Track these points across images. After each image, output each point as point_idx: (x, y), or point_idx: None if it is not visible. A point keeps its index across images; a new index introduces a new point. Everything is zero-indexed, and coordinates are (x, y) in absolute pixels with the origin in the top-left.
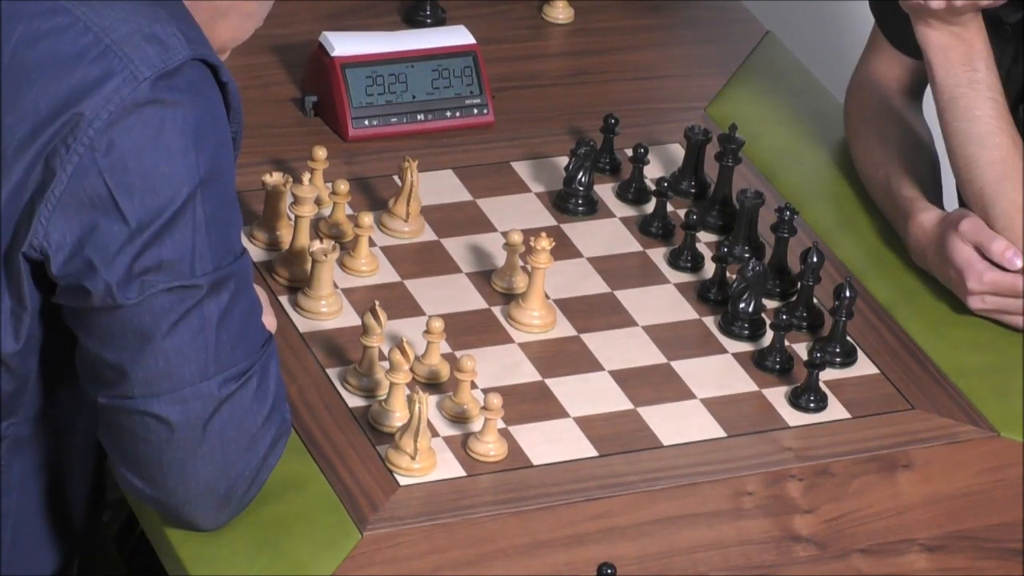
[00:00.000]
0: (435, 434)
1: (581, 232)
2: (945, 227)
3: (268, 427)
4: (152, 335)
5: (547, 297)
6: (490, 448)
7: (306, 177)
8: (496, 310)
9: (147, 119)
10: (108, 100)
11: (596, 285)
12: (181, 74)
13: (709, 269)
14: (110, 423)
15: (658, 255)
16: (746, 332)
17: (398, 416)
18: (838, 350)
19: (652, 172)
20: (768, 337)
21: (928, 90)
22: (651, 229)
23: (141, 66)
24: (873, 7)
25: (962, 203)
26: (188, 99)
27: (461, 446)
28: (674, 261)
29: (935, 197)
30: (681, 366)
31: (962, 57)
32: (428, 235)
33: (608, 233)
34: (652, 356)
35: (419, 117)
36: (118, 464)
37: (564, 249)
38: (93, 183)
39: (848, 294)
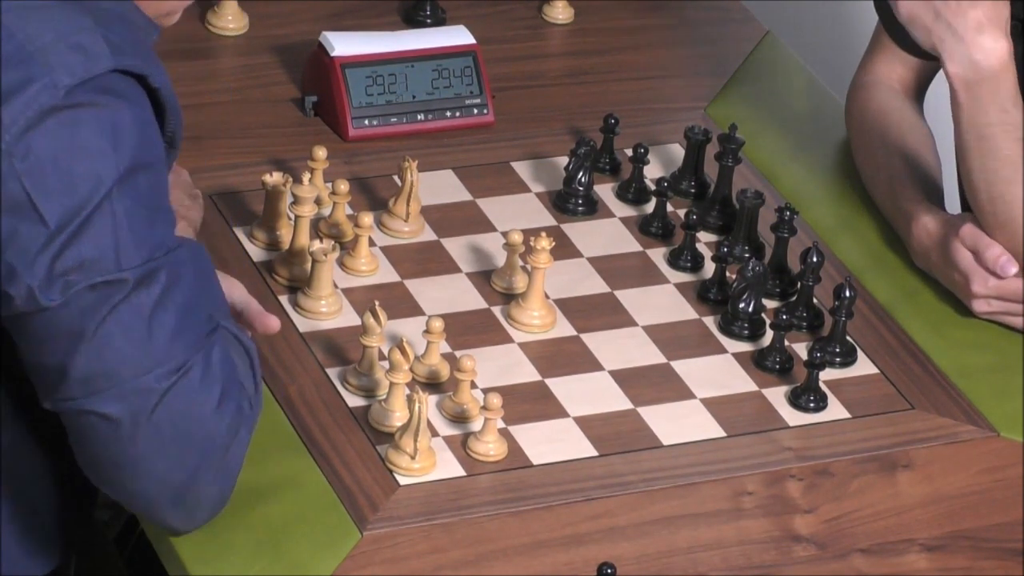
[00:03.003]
0: (435, 434)
1: (581, 232)
2: (948, 230)
3: (221, 416)
4: (83, 333)
5: (547, 297)
6: (490, 448)
7: (306, 177)
8: (496, 310)
9: (63, 121)
10: (27, 106)
11: (596, 285)
12: (101, 81)
13: (709, 269)
14: (68, 429)
15: (658, 255)
16: (746, 332)
17: (398, 416)
18: (838, 350)
19: (652, 172)
20: (768, 337)
21: (927, 90)
22: (651, 229)
23: (62, 74)
24: (878, 7)
25: (964, 207)
26: (106, 100)
27: (461, 446)
28: (674, 261)
29: (937, 199)
30: (681, 366)
31: (991, 96)
32: (428, 235)
33: (608, 233)
34: (652, 356)
35: (419, 117)
36: (86, 470)
37: (564, 249)
38: (12, 188)
39: (848, 294)
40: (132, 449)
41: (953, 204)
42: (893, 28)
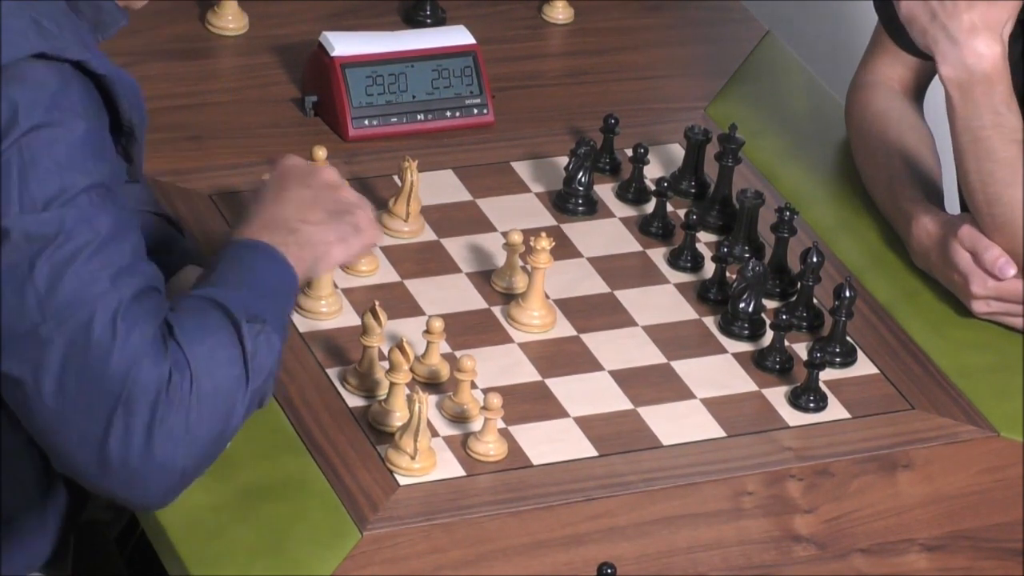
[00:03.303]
0: (435, 434)
1: (581, 232)
2: (947, 231)
3: (138, 367)
4: None
5: (547, 297)
6: (490, 448)
7: None
8: (496, 310)
9: None
10: None
11: (596, 285)
12: (19, 66)
13: (709, 269)
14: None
15: (658, 255)
16: (746, 332)
17: (398, 416)
18: (838, 350)
19: (652, 172)
20: (768, 337)
21: (928, 91)
22: (651, 229)
23: None
24: (878, 7)
25: (964, 207)
26: (15, 87)
27: (461, 446)
28: (674, 261)
29: (937, 199)
30: (681, 366)
31: (984, 99)
32: (428, 235)
33: (608, 233)
34: (652, 356)
35: (419, 117)
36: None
37: (564, 249)
38: None
39: (848, 294)
40: (43, 410)
41: (953, 204)
42: (893, 28)
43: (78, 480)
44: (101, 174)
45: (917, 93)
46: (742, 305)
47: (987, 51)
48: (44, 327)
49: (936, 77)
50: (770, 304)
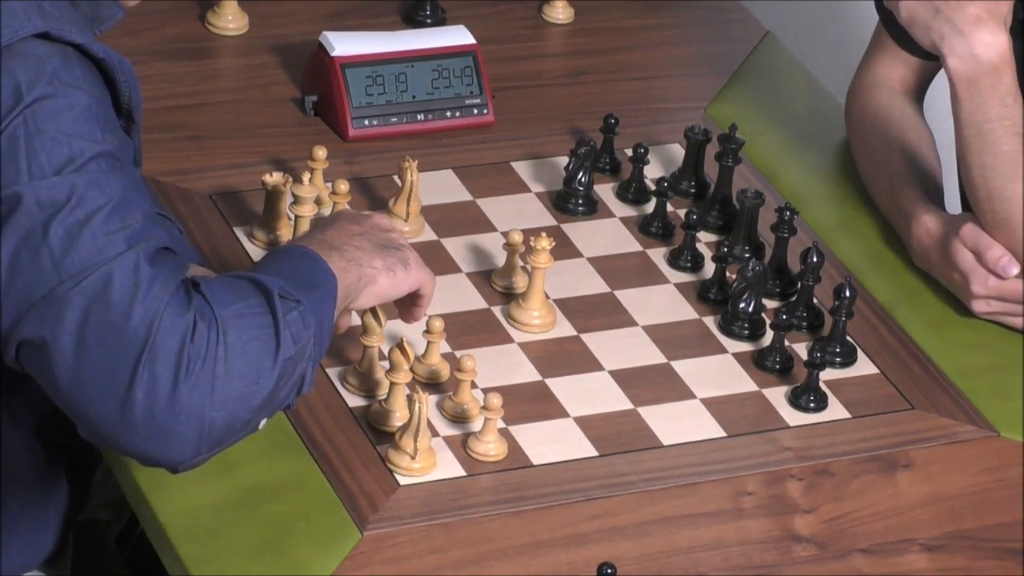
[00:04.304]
0: (435, 434)
1: (581, 232)
2: (948, 231)
3: (139, 312)
4: None
5: (547, 297)
6: (490, 448)
7: (306, 177)
8: (496, 310)
9: None
10: None
11: (596, 285)
12: (24, 44)
13: (709, 269)
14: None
15: (658, 255)
16: (746, 332)
17: (398, 416)
18: (838, 350)
19: (652, 172)
20: (768, 337)
21: (927, 91)
22: (651, 229)
23: None
24: (878, 6)
25: (964, 206)
26: (18, 63)
27: (461, 446)
28: (674, 261)
29: (937, 199)
30: (681, 366)
31: (991, 90)
32: (428, 235)
33: (608, 233)
34: (652, 356)
35: (419, 117)
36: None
37: (564, 249)
38: None
39: (848, 294)
40: (65, 369)
41: (953, 204)
42: (894, 28)
43: (104, 442)
44: (109, 144)
45: (917, 93)
46: (742, 305)
47: (994, 40)
48: (61, 287)
49: (936, 77)
50: (770, 304)
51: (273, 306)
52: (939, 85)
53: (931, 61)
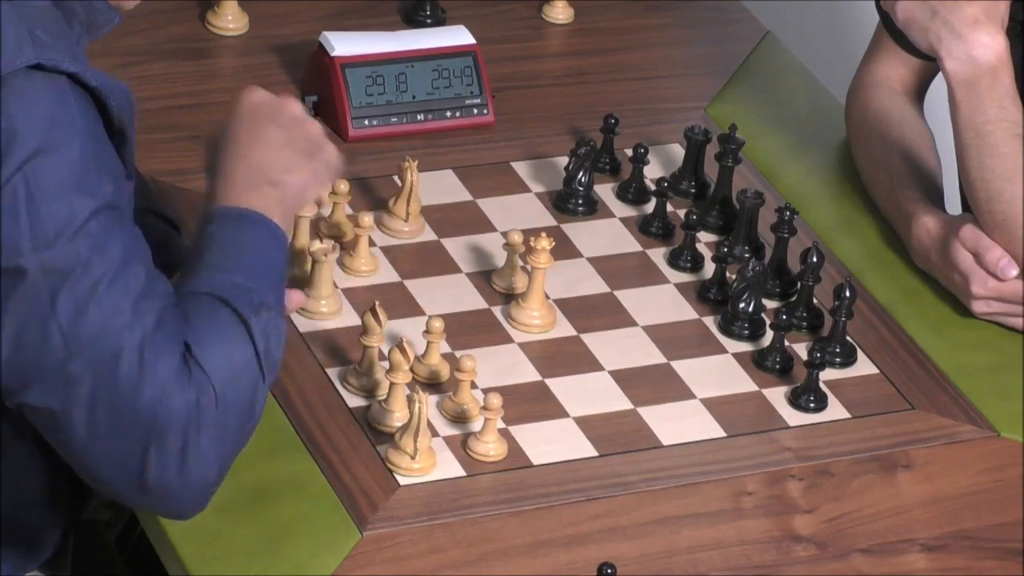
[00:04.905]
0: (435, 434)
1: (581, 232)
2: (948, 231)
3: (166, 394)
4: None
5: (547, 297)
6: (490, 448)
7: None
8: (496, 310)
9: None
10: None
11: (596, 285)
12: (16, 77)
13: (709, 269)
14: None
15: (658, 255)
16: (746, 332)
17: (398, 416)
18: (838, 350)
19: (652, 172)
20: (768, 337)
21: (927, 91)
22: (651, 229)
23: None
24: (879, 7)
25: (964, 207)
26: (12, 102)
27: (461, 446)
28: (674, 261)
29: (937, 199)
30: (681, 366)
31: (989, 92)
32: (428, 235)
33: (608, 233)
34: (652, 356)
35: (419, 117)
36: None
37: (564, 249)
38: None
39: (848, 294)
40: (76, 441)
41: (953, 204)
42: (894, 28)
43: (117, 500)
44: (105, 192)
45: (918, 93)
46: (742, 305)
47: (992, 42)
48: (71, 363)
49: (936, 78)
50: (770, 304)
51: (252, 336)
52: (939, 85)
53: (931, 61)
